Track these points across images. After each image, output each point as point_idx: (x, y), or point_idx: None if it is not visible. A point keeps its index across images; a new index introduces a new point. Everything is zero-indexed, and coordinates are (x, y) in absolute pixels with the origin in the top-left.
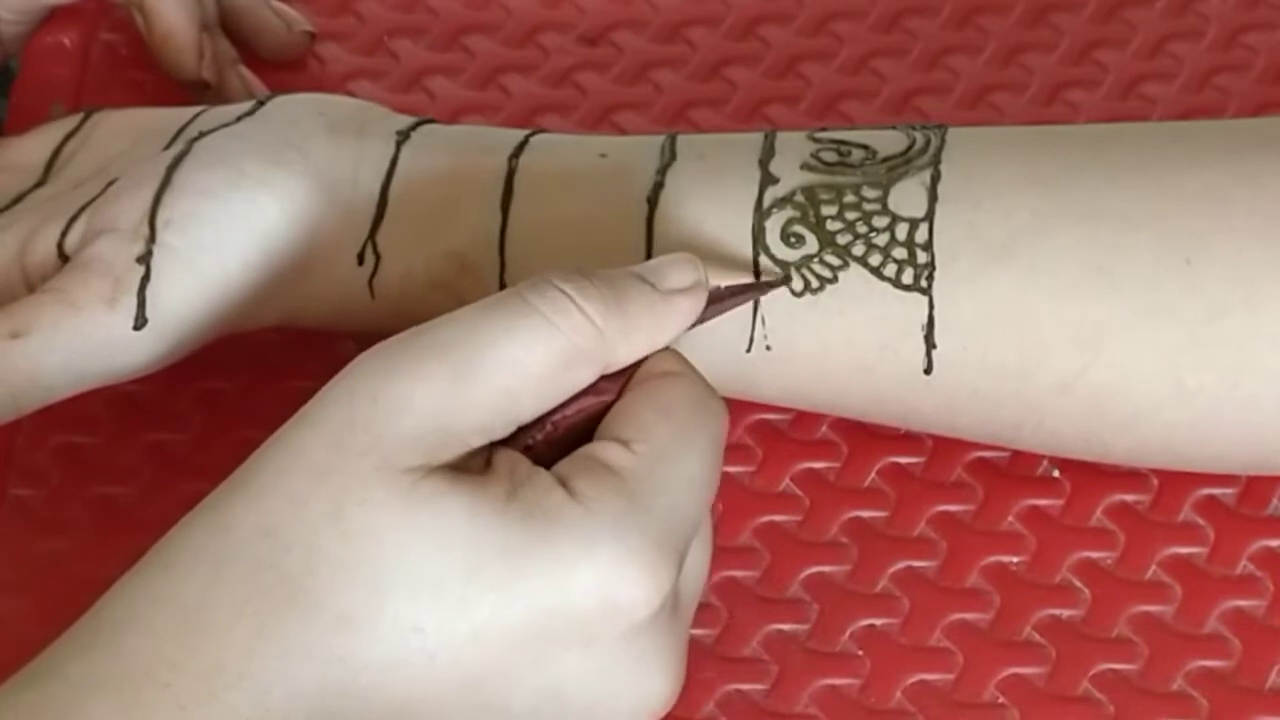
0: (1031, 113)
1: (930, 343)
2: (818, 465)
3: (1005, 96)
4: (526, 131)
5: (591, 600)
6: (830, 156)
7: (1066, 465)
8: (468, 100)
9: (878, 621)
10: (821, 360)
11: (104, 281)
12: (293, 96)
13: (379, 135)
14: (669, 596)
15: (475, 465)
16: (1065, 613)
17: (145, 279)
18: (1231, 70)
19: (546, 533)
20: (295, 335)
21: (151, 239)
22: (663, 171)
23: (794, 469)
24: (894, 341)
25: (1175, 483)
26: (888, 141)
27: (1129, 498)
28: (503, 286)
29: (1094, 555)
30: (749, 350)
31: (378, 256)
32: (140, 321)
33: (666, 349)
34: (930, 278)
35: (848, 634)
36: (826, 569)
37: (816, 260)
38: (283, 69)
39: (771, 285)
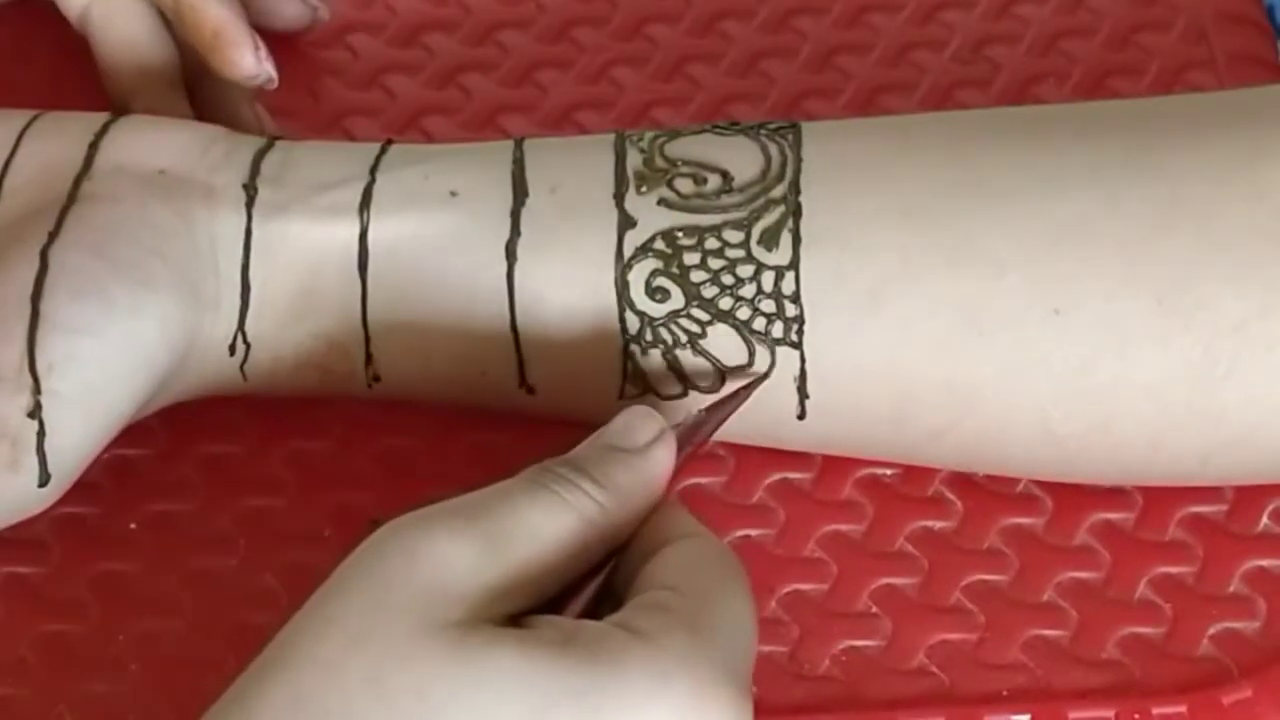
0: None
1: (803, 393)
2: (793, 476)
3: (971, 93)
4: (371, 164)
5: None
6: (686, 186)
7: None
8: (427, 100)
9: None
10: (692, 402)
11: (0, 445)
12: (128, 162)
13: (228, 198)
14: None
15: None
16: (1051, 633)
17: (41, 434)
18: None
19: (615, 670)
20: None
21: (37, 389)
22: (516, 214)
23: (768, 479)
24: (766, 392)
25: (1161, 499)
26: (742, 160)
27: (1113, 516)
28: (369, 359)
29: (1080, 575)
30: (620, 397)
31: (248, 345)
32: (45, 479)
33: (680, 508)
34: (800, 331)
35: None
36: (804, 587)
37: (684, 315)
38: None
39: (751, 388)
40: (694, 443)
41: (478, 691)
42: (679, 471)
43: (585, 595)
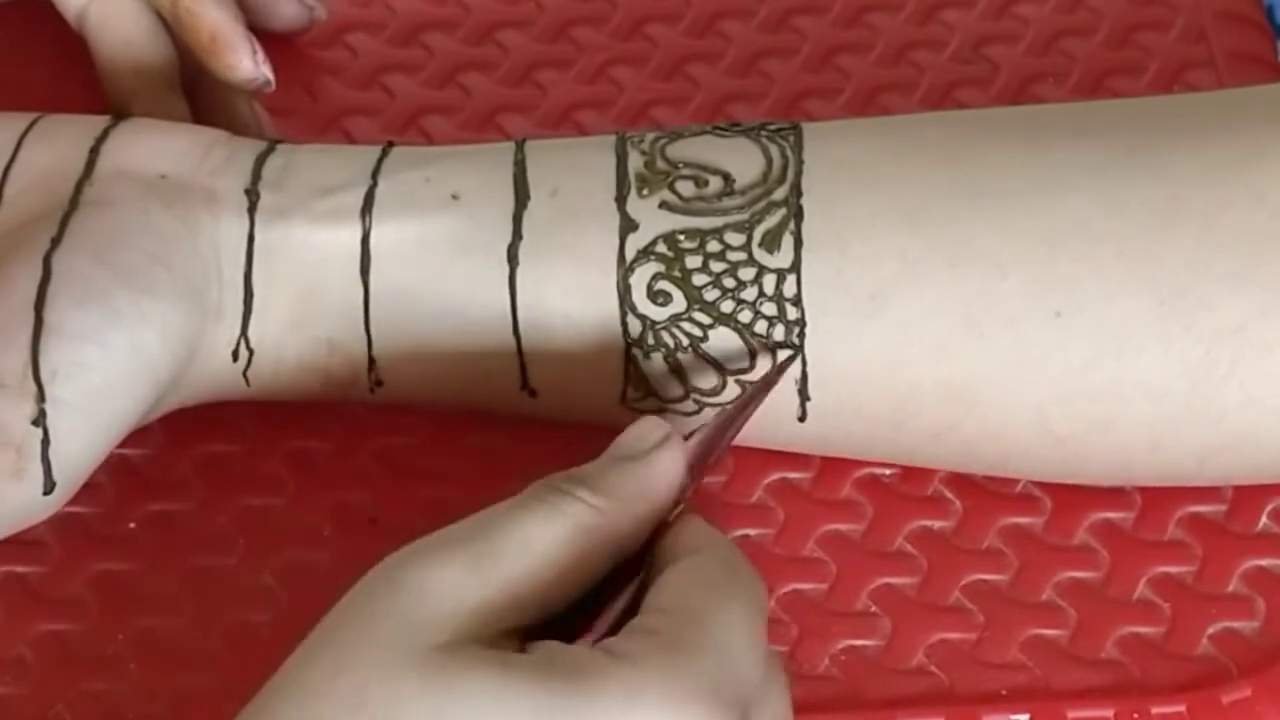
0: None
1: (804, 395)
2: (793, 476)
3: (971, 92)
4: (373, 168)
5: None
6: (687, 189)
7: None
8: (427, 100)
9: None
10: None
11: (5, 453)
12: (129, 166)
13: (230, 203)
14: None
15: (511, 648)
16: (1050, 633)
17: (46, 442)
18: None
19: (589, 688)
20: None
21: (41, 396)
22: (518, 217)
23: (768, 479)
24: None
25: (1160, 499)
26: (743, 162)
27: (1113, 516)
28: (371, 362)
29: (1079, 575)
30: (622, 401)
31: (251, 351)
32: (49, 487)
33: (693, 521)
34: (802, 334)
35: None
36: (803, 586)
37: (685, 319)
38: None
39: (764, 391)
40: (714, 451)
41: (453, 713)
42: (699, 478)
43: (614, 610)
